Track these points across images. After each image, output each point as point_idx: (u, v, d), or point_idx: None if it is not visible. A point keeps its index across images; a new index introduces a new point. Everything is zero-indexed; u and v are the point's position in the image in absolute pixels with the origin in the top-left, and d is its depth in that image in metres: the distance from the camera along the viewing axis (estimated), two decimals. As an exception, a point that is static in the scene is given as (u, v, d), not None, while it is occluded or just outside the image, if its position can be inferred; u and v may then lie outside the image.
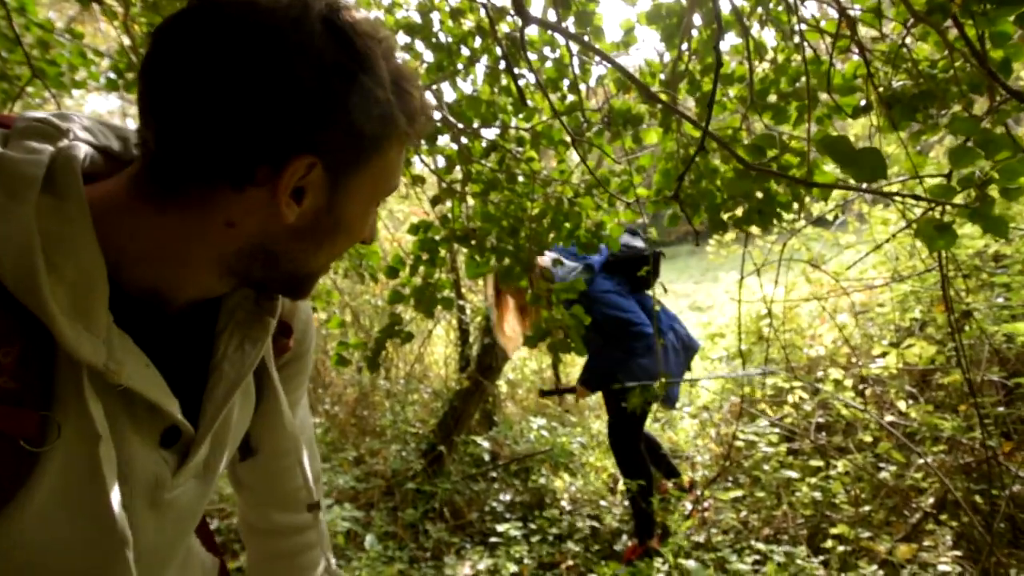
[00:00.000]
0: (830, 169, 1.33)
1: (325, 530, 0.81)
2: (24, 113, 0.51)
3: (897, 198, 1.35)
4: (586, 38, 1.61)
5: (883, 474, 2.56)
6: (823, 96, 1.68)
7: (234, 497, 0.82)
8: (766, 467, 2.79)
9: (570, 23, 1.66)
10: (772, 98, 1.82)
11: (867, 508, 2.41)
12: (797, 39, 1.55)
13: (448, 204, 2.15)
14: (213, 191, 0.49)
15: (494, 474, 3.43)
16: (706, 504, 2.89)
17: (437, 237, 2.30)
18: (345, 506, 2.97)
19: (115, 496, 0.47)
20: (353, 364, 3.83)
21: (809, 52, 1.58)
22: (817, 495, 2.55)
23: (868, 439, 2.74)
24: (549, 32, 1.70)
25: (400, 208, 4.56)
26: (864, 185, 0.95)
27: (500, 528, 2.88)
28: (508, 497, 3.22)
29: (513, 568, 2.61)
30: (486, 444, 3.54)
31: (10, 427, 0.42)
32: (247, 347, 0.61)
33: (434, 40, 1.83)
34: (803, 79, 1.72)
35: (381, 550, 2.74)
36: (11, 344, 0.43)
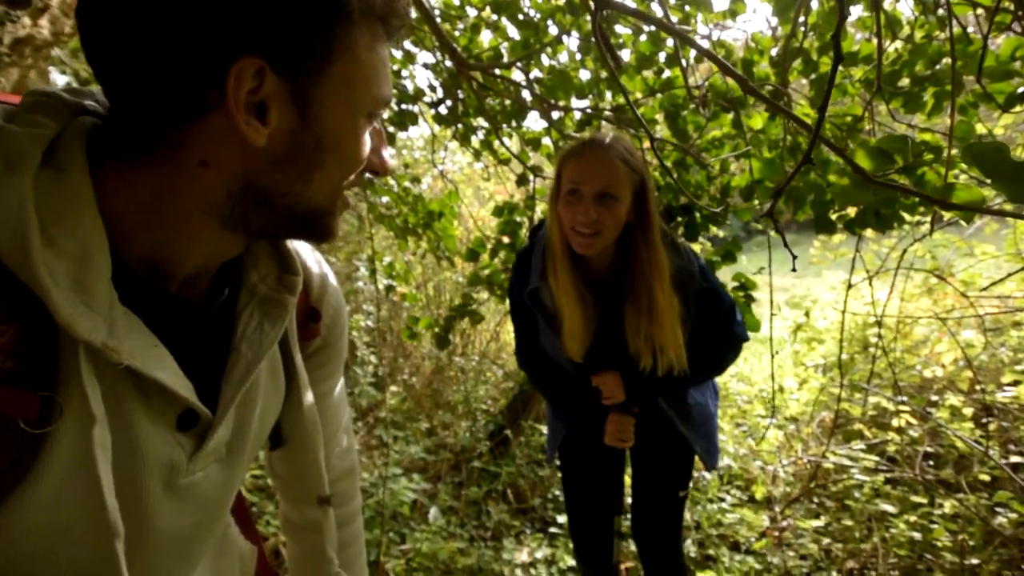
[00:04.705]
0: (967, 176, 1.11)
1: (334, 527, 0.77)
2: (34, 88, 0.50)
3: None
4: (686, 8, 1.46)
5: (999, 520, 2.23)
6: (968, 82, 1.43)
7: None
8: (857, 494, 2.53)
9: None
10: (904, 82, 1.57)
11: (975, 560, 2.11)
12: (943, 12, 1.31)
13: (533, 183, 2.08)
14: (175, 131, 0.46)
15: (559, 462, 3.37)
16: (784, 523, 2.67)
17: (519, 218, 2.24)
18: (414, 477, 3.04)
19: (107, 484, 0.45)
20: (428, 337, 3.89)
21: (955, 29, 1.34)
22: (916, 535, 2.27)
23: (985, 478, 2.40)
24: (645, 1, 1.56)
25: (486, 187, 4.54)
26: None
27: (560, 519, 2.83)
28: (572, 488, 3.16)
29: (571, 561, 2.55)
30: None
31: (8, 408, 0.41)
32: (266, 327, 0.59)
33: (521, 17, 1.73)
34: (945, 60, 1.47)
35: (444, 524, 2.77)
36: (7, 323, 0.41)
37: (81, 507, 0.45)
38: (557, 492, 3.09)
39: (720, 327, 1.47)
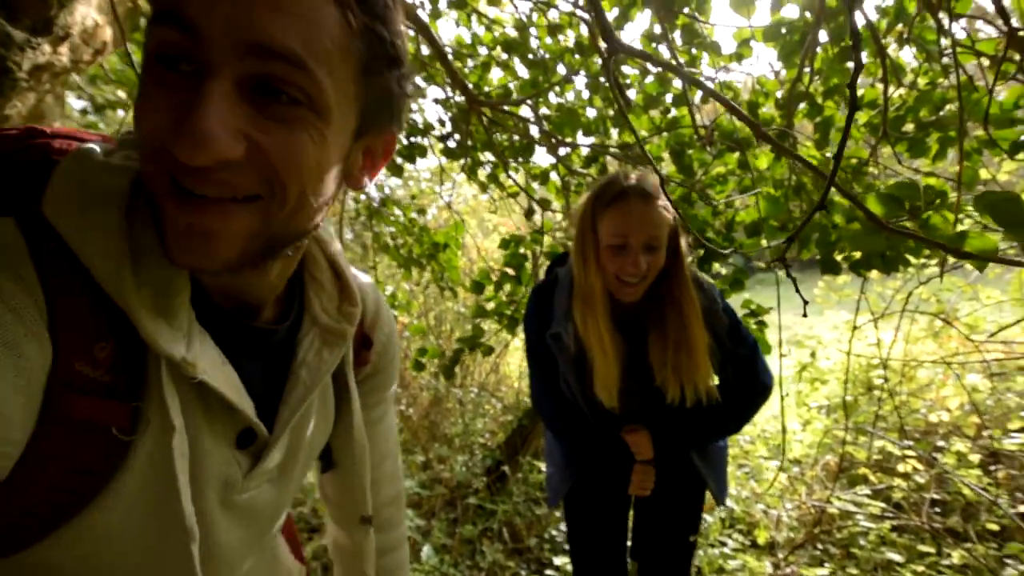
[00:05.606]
0: (972, 221, 1.11)
1: (373, 548, 0.78)
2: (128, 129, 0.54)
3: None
4: (693, 51, 1.48)
5: (1009, 572, 2.17)
6: (971, 127, 1.44)
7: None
8: (863, 542, 2.46)
9: (677, 36, 1.54)
10: (909, 127, 1.59)
11: (987, 614, 2.05)
12: (946, 60, 1.33)
13: (540, 217, 2.08)
14: None
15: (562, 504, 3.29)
16: (788, 571, 2.59)
17: (526, 252, 2.24)
18: (407, 513, 2.96)
19: (185, 489, 0.48)
20: (430, 368, 3.86)
21: (961, 77, 1.36)
22: (924, 586, 2.20)
23: (994, 527, 2.34)
24: (653, 44, 1.59)
25: (490, 219, 4.56)
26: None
27: (557, 561, 2.75)
28: (570, 527, 3.07)
29: (567, 606, 2.48)
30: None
31: (105, 417, 0.45)
32: (325, 354, 0.62)
33: (531, 56, 1.77)
34: (949, 107, 1.49)
35: (436, 563, 2.69)
36: (106, 340, 0.45)
37: (158, 511, 0.48)
38: (554, 532, 3.01)
39: (744, 368, 1.45)
